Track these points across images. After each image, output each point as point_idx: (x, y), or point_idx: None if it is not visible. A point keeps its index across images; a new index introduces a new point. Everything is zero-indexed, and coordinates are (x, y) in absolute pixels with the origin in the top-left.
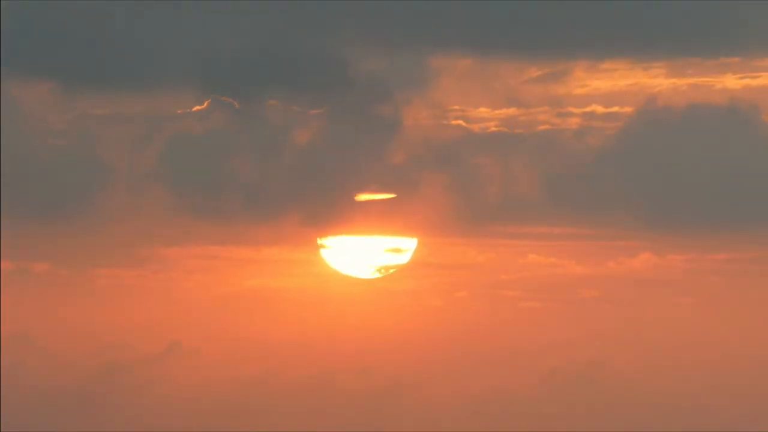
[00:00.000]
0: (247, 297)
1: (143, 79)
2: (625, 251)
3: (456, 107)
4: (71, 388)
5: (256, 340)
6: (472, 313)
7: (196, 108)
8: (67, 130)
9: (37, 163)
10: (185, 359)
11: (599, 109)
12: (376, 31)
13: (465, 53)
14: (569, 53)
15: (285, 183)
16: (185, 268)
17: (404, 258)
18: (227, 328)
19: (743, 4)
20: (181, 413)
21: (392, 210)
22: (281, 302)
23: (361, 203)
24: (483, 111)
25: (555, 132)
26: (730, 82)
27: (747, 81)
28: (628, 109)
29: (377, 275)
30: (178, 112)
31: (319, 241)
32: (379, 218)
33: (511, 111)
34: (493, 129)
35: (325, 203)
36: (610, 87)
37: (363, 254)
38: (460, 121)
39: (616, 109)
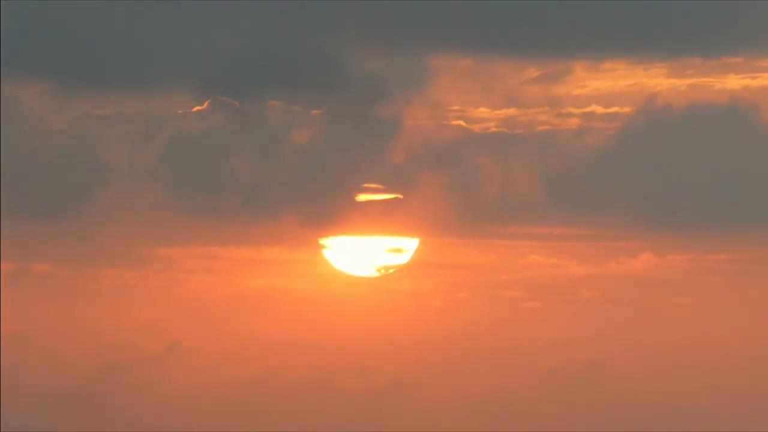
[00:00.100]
0: (248, 297)
1: (143, 79)
2: (626, 251)
3: (456, 107)
4: (71, 388)
5: (257, 340)
6: (472, 313)
7: (197, 108)
8: (67, 130)
9: (37, 163)
10: (185, 359)
11: (599, 109)
12: (376, 31)
13: (465, 53)
14: (569, 53)
15: (285, 183)
16: (186, 268)
17: (405, 258)
18: (227, 328)
19: (743, 4)
20: (181, 413)
21: (393, 210)
22: (282, 302)
23: (362, 203)
24: (483, 111)
25: (555, 132)
26: (730, 82)
27: (747, 81)
28: (627, 110)
29: (378, 274)
30: (179, 112)
31: (321, 241)
32: (380, 218)
33: (511, 111)
34: (493, 129)
35: (325, 203)
36: (609, 87)
37: (364, 254)
38: (460, 122)
39: (615, 109)
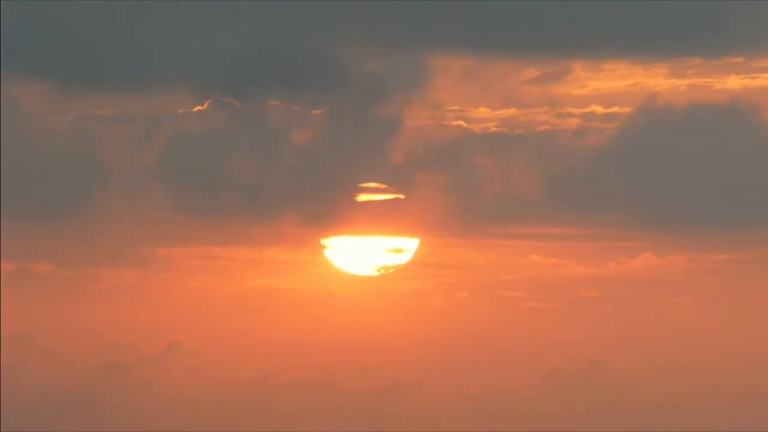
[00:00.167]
0: (248, 297)
1: (143, 79)
2: (626, 252)
3: (456, 107)
4: (71, 388)
5: (257, 340)
6: (473, 313)
7: (197, 108)
8: (67, 130)
9: (37, 163)
10: (185, 359)
11: (599, 109)
12: (376, 31)
13: (465, 53)
14: (569, 53)
15: (285, 183)
16: (186, 268)
17: (405, 258)
18: (227, 328)
19: (743, 4)
20: (181, 413)
21: (393, 210)
22: (282, 302)
23: (362, 203)
24: (483, 111)
25: (555, 132)
26: (730, 82)
27: (747, 81)
28: (627, 110)
29: (378, 274)
30: (179, 112)
31: (322, 241)
32: (380, 218)
33: (511, 111)
34: (493, 129)
35: (325, 203)
36: (609, 87)
37: (364, 254)
38: (460, 122)
39: (615, 109)
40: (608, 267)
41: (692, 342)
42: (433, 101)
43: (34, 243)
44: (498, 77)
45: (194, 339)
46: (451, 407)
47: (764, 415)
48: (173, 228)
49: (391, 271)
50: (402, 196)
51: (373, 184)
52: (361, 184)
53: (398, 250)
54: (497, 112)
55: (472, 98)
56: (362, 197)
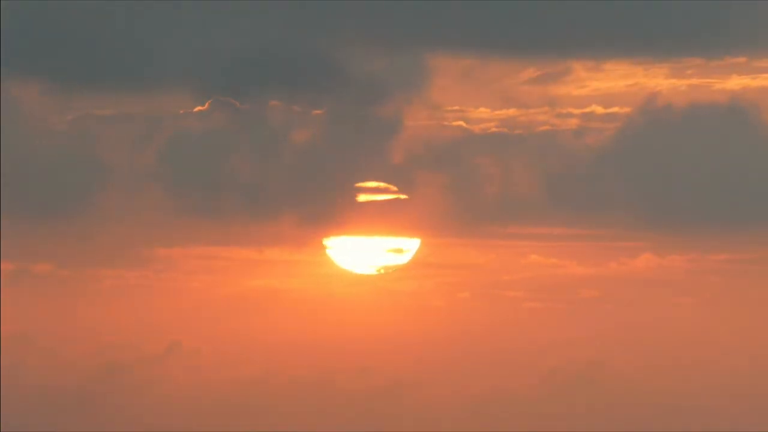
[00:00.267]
0: (248, 297)
1: (143, 79)
2: (626, 251)
3: (456, 107)
4: (71, 388)
5: (257, 340)
6: (473, 313)
7: (197, 108)
8: (67, 130)
9: (37, 163)
10: (185, 359)
11: (599, 109)
12: (376, 31)
13: (464, 53)
14: (569, 53)
15: (285, 183)
16: (186, 268)
17: (405, 258)
18: (227, 328)
19: (743, 4)
20: (181, 413)
21: (393, 210)
22: (282, 302)
23: (363, 203)
24: (483, 111)
25: (555, 132)
26: (730, 82)
27: (747, 81)
28: (627, 110)
29: (378, 274)
30: (179, 112)
31: (324, 241)
32: (381, 219)
33: (511, 111)
34: (493, 129)
35: (325, 203)
36: (609, 87)
37: (364, 254)
38: (460, 122)
39: (615, 109)
40: (608, 267)
41: (692, 342)
42: (433, 101)
43: (34, 243)
44: (498, 77)
45: (194, 339)
46: (451, 407)
47: (764, 415)
48: (173, 228)
49: (392, 271)
50: (404, 197)
51: (373, 184)
52: (361, 184)
53: (398, 250)
54: (497, 112)
55: (472, 98)
56: (362, 197)
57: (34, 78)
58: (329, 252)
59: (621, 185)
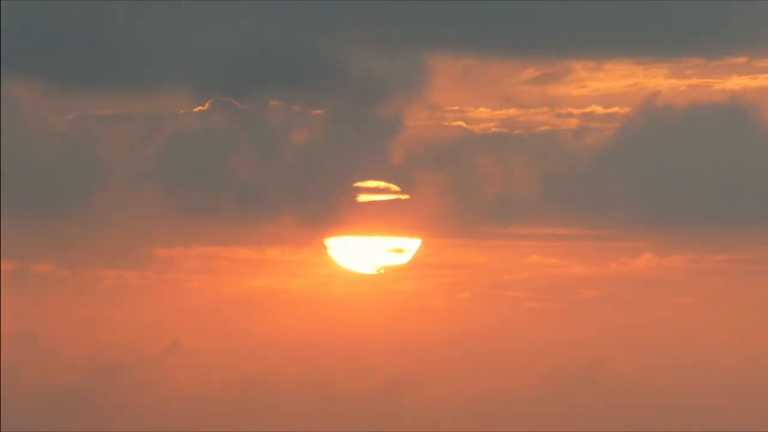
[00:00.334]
0: (248, 297)
1: (143, 79)
2: (626, 251)
3: (455, 107)
4: (71, 388)
5: (257, 340)
6: (473, 313)
7: (197, 108)
8: (67, 130)
9: (37, 163)
10: (185, 359)
11: (599, 109)
12: (376, 31)
13: (464, 53)
14: (569, 53)
15: (285, 183)
16: (186, 268)
17: (406, 258)
18: (227, 328)
19: (743, 4)
20: (181, 413)
21: (394, 210)
22: (282, 302)
23: (363, 203)
24: (482, 111)
25: (554, 132)
26: (730, 82)
27: (747, 81)
28: (627, 110)
29: (378, 274)
30: (179, 112)
31: (324, 241)
32: (381, 219)
33: (511, 111)
34: (493, 129)
35: (325, 203)
36: (609, 87)
37: (365, 254)
38: (460, 122)
39: (615, 109)
40: (608, 267)
41: (692, 342)
42: (433, 101)
43: (34, 243)
44: (498, 77)
45: (194, 339)
46: (451, 407)
47: (764, 415)
48: (173, 228)
49: (392, 271)
50: (404, 197)
51: (373, 184)
52: (361, 184)
53: (399, 250)
54: (497, 112)
55: (472, 98)
56: (363, 197)
57: (34, 78)
58: (330, 252)
59: (621, 185)
